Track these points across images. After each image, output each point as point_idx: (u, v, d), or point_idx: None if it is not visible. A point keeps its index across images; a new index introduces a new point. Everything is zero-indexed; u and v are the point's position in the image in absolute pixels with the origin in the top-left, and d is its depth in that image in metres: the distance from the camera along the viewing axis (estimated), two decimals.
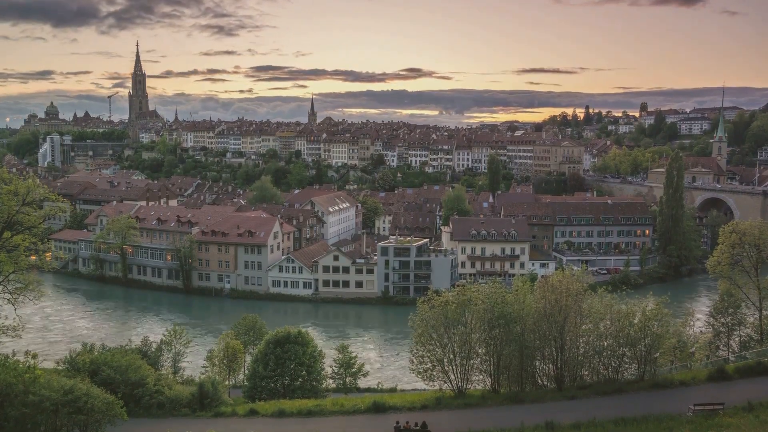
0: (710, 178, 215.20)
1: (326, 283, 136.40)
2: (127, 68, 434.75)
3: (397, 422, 40.89)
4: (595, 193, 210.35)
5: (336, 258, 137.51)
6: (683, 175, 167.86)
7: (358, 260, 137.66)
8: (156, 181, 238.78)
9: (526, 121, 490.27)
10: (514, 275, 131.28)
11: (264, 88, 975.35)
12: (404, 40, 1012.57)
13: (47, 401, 35.31)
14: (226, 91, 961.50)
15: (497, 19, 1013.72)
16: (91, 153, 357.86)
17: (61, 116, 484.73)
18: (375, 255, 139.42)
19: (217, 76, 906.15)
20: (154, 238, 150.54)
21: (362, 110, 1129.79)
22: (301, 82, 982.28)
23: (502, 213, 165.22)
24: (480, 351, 48.95)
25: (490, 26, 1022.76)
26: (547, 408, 42.91)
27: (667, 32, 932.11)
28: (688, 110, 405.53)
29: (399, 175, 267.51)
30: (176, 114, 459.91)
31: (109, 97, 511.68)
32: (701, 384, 46.83)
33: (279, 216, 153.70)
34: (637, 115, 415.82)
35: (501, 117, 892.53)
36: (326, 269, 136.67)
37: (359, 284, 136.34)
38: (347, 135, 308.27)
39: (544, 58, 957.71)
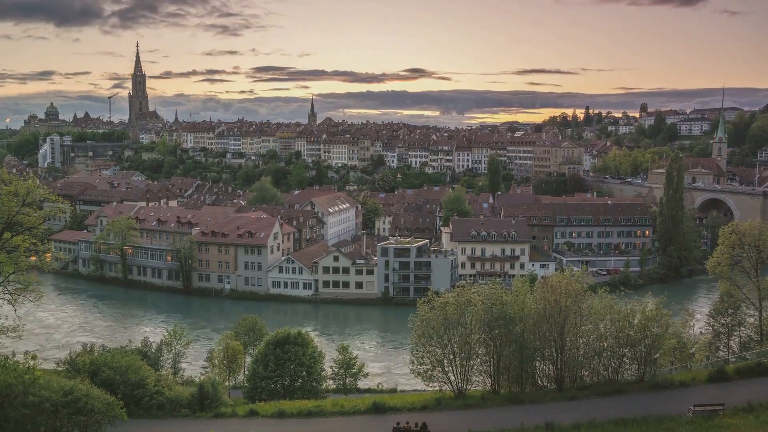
0: (710, 178, 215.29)
1: (326, 284, 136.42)
2: (129, 69, 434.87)
3: (397, 423, 40.90)
4: (595, 193, 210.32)
5: (336, 259, 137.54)
6: (683, 176, 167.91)
7: (358, 261, 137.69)
8: (156, 182, 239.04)
9: (527, 121, 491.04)
10: (514, 276, 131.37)
11: (265, 89, 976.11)
12: (405, 41, 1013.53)
13: (47, 402, 35.32)
14: (227, 92, 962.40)
15: (498, 20, 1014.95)
16: (91, 154, 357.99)
17: (61, 117, 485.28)
18: (375, 256, 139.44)
19: (217, 76, 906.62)
20: (154, 239, 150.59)
21: (362, 111, 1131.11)
22: (301, 83, 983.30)
23: (502, 214, 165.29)
24: (480, 352, 48.98)
25: (490, 26, 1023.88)
26: (547, 409, 42.94)
27: (668, 32, 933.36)
28: (688, 111, 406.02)
29: (399, 175, 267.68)
30: (176, 115, 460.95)
31: (109, 97, 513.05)
32: (701, 385, 46.84)
33: (279, 217, 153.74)
34: (637, 115, 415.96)
35: (502, 117, 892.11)
36: (326, 270, 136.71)
37: (359, 285, 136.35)
38: (347, 136, 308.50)
39: (545, 59, 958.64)
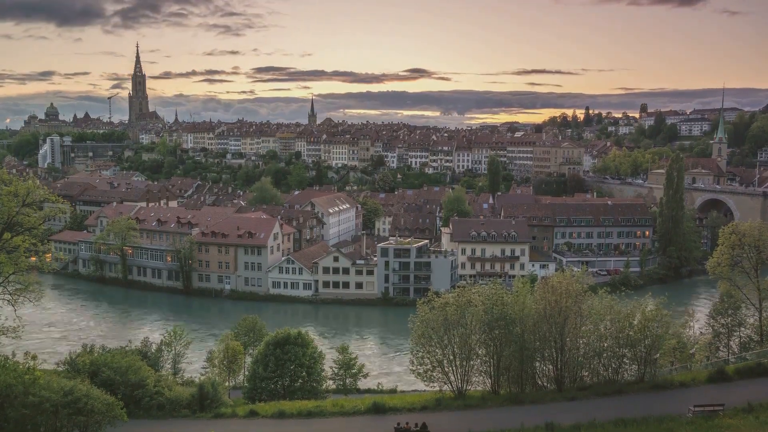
0: (710, 179, 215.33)
1: (326, 285, 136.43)
2: (129, 69, 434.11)
3: (398, 423, 40.94)
4: (595, 194, 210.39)
5: (336, 259, 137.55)
6: (683, 177, 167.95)
7: (358, 261, 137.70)
8: (156, 183, 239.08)
9: (528, 122, 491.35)
10: (514, 276, 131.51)
11: (265, 89, 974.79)
12: (405, 41, 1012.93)
13: (47, 402, 35.33)
14: (227, 92, 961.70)
15: (498, 20, 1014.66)
16: (91, 154, 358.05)
17: (61, 117, 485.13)
18: (375, 256, 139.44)
19: (217, 77, 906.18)
20: (154, 240, 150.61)
21: (363, 111, 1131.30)
22: (302, 83, 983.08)
23: (502, 214, 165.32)
24: (480, 352, 49.00)
25: (490, 27, 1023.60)
26: (547, 409, 42.96)
27: (669, 32, 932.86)
28: (688, 111, 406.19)
29: (399, 176, 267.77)
30: (176, 115, 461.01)
31: (109, 98, 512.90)
32: (701, 385, 46.85)
33: (279, 217, 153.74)
34: (637, 116, 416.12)
35: (502, 118, 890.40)
36: (326, 270, 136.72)
37: (359, 285, 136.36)
38: (347, 136, 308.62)
39: (546, 59, 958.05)
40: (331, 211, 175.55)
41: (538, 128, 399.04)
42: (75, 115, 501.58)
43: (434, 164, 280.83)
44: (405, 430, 40.42)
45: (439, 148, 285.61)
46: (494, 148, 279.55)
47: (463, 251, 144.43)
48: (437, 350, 48.43)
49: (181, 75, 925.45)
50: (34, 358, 40.42)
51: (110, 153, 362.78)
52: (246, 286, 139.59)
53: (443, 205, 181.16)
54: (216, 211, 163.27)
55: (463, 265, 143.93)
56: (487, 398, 47.29)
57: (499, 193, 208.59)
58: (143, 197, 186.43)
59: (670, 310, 50.37)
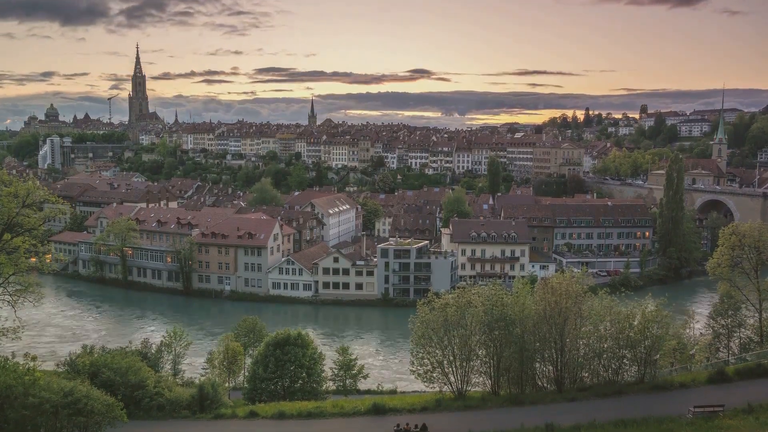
0: (710, 180, 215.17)
1: (326, 285, 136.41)
2: (131, 69, 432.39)
3: (398, 424, 40.97)
4: (595, 195, 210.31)
5: (336, 260, 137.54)
6: (683, 177, 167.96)
7: (358, 262, 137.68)
8: (156, 183, 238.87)
9: (530, 123, 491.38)
10: (514, 277, 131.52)
11: (267, 90, 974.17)
12: (406, 42, 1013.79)
13: (47, 403, 35.35)
14: (228, 93, 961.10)
15: (499, 21, 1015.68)
16: (91, 155, 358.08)
17: (61, 118, 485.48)
18: (375, 257, 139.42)
19: (219, 77, 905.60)
20: (154, 240, 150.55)
21: (363, 112, 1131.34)
22: (302, 84, 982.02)
23: (502, 215, 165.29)
24: (480, 353, 49.03)
25: (491, 27, 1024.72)
26: (547, 410, 42.98)
27: (671, 33, 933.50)
28: (688, 112, 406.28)
29: (399, 177, 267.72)
30: (176, 116, 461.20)
31: (109, 99, 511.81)
32: (701, 386, 46.86)
33: (279, 218, 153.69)
34: (637, 117, 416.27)
35: (503, 119, 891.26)
36: (326, 271, 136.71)
37: (359, 286, 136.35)
38: (347, 137, 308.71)
39: (547, 60, 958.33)
40: (331, 211, 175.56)
41: (538, 129, 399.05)
42: (75, 116, 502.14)
43: (434, 165, 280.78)
44: (405, 430, 40.45)
45: (439, 148, 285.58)
46: (494, 149, 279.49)
47: (463, 252, 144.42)
48: (437, 351, 48.46)
49: (180, 76, 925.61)
50: (34, 359, 40.55)
51: (110, 154, 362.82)
52: (246, 287, 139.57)
53: (443, 206, 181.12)
54: (216, 212, 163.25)
55: (463, 266, 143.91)
56: (487, 399, 47.31)
57: (499, 194, 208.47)
58: (143, 198, 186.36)
59: (670, 311, 50.38)
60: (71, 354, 53.49)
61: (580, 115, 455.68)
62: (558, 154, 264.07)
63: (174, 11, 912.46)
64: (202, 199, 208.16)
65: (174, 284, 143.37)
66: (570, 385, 48.56)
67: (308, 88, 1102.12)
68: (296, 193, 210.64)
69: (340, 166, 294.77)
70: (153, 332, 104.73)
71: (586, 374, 49.67)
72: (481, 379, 49.90)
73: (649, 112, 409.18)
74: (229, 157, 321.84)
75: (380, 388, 77.35)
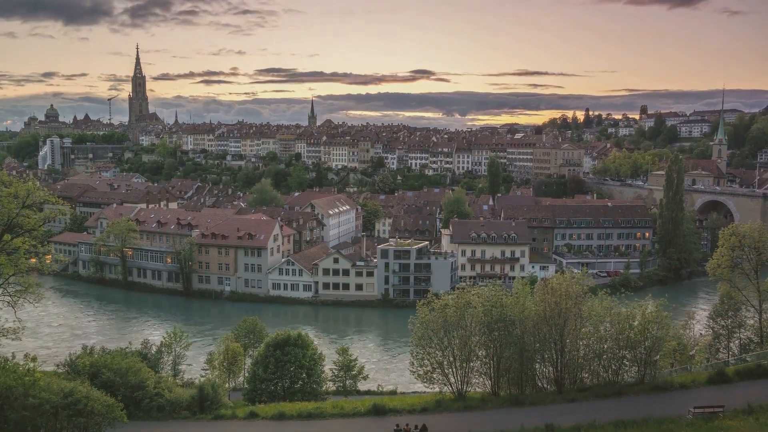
0: (710, 180, 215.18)
1: (326, 286, 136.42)
2: (130, 70, 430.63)
3: (397, 425, 40.95)
4: (595, 195, 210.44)
5: (336, 261, 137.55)
6: (683, 178, 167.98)
7: (358, 263, 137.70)
8: (156, 184, 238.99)
9: (531, 123, 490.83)
10: (514, 278, 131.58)
11: (268, 90, 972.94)
12: (406, 43, 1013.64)
13: (47, 404, 35.32)
14: (229, 93, 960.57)
15: (499, 22, 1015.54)
16: (91, 156, 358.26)
17: (61, 119, 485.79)
18: (375, 258, 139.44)
19: (220, 78, 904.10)
20: (154, 241, 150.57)
21: (364, 113, 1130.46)
22: (302, 85, 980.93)
23: (502, 216, 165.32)
24: (480, 354, 48.99)
25: (492, 28, 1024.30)
26: (547, 410, 42.97)
27: (671, 33, 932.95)
28: (688, 113, 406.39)
29: (399, 177, 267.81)
30: (176, 116, 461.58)
31: (109, 99, 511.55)
32: (701, 387, 46.83)
33: (279, 219, 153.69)
34: (637, 117, 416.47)
35: (505, 119, 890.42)
36: (326, 272, 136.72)
37: (359, 287, 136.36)
38: (347, 138, 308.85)
39: (548, 60, 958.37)
40: (331, 212, 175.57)
41: (538, 130, 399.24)
42: (75, 117, 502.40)
43: (434, 166, 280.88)
44: (405, 431, 40.42)
45: (439, 149, 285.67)
46: (494, 150, 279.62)
47: (463, 253, 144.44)
48: (437, 352, 48.43)
49: (180, 76, 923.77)
50: (34, 359, 40.43)
51: (110, 154, 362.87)
52: (246, 288, 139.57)
53: (443, 207, 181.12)
54: (216, 212, 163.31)
55: (463, 267, 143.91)
56: (487, 400, 47.28)
57: (499, 195, 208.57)
58: (143, 199, 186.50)
59: (670, 312, 50.33)
60: (71, 355, 53.41)
61: (580, 115, 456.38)
62: (558, 155, 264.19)
63: (179, 10, 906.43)
64: (202, 200, 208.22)
65: (174, 285, 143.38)
66: (570, 385, 48.53)
67: (310, 89, 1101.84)
68: (296, 194, 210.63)
69: (340, 166, 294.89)
70: (153, 333, 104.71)
71: (586, 375, 49.64)
72: (481, 379, 49.87)
73: (649, 112, 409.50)
74: (229, 157, 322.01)
75: (380, 388, 77.43)
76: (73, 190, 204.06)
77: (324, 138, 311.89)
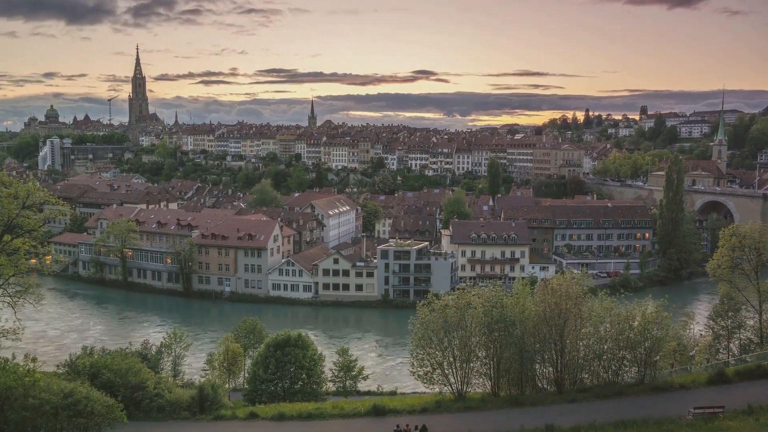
0: (710, 181, 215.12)
1: (326, 287, 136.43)
2: (130, 71, 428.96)
3: (397, 425, 40.94)
4: (595, 196, 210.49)
5: (336, 261, 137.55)
6: (683, 179, 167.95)
7: (358, 263, 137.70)
8: (156, 185, 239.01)
9: (531, 124, 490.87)
10: (514, 278, 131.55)
11: (270, 91, 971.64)
12: (406, 44, 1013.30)
13: (47, 404, 35.32)
14: (231, 94, 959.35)
15: (500, 22, 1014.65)
16: (91, 156, 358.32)
17: (61, 119, 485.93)
18: (375, 258, 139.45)
19: (221, 78, 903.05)
20: (154, 242, 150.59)
21: (364, 113, 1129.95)
22: (306, 86, 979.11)
23: (502, 216, 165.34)
24: (480, 354, 48.97)
25: (492, 29, 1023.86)
26: (547, 411, 42.97)
27: (671, 33, 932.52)
28: (688, 113, 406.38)
29: (399, 178, 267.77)
30: (176, 117, 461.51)
31: (109, 100, 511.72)
32: (701, 387, 46.84)
33: (279, 219, 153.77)
34: (637, 118, 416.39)
35: (506, 120, 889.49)
36: (326, 272, 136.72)
37: (359, 287, 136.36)
38: (347, 138, 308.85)
39: (549, 61, 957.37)
40: (331, 213, 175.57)
41: (538, 130, 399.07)
42: (75, 117, 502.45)
43: (434, 166, 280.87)
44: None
45: (439, 150, 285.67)
46: (494, 150, 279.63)
47: (463, 253, 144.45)
48: (437, 352, 48.42)
49: (180, 77, 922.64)
50: (34, 360, 40.42)
51: (110, 155, 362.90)
52: (246, 289, 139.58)
53: (443, 207, 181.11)
54: (216, 213, 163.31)
55: (463, 267, 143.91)
56: (487, 400, 47.27)
57: (499, 195, 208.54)
58: (143, 199, 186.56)
59: (670, 313, 50.34)
60: (71, 355, 53.42)
61: (580, 116, 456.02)
62: (558, 156, 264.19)
63: (183, 9, 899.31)
64: (202, 201, 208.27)
65: (174, 285, 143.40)
66: (570, 386, 48.52)
67: (312, 89, 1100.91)
68: (296, 195, 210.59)
69: (340, 167, 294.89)
70: (153, 333, 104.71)
71: (586, 375, 49.63)
72: (481, 380, 49.85)
73: (649, 113, 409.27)
74: (229, 158, 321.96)
75: (380, 389, 77.42)
76: (73, 190, 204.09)
77: (324, 138, 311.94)
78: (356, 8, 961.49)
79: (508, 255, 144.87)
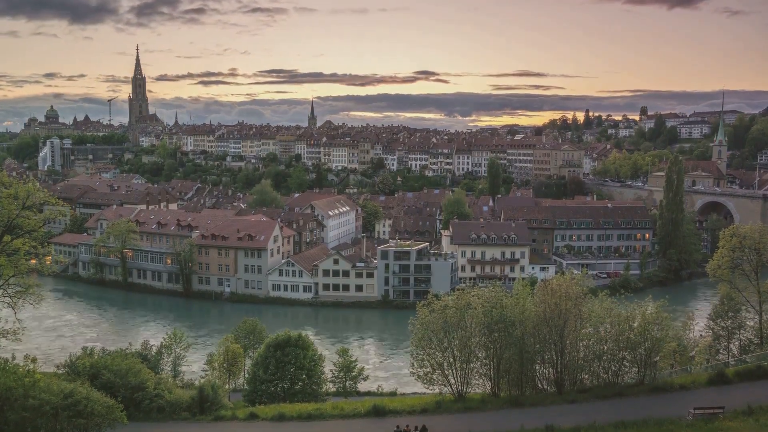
0: (710, 181, 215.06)
1: (326, 287, 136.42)
2: (130, 71, 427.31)
3: (397, 426, 40.94)
4: (595, 196, 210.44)
5: (336, 262, 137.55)
6: (683, 179, 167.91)
7: (358, 264, 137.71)
8: (156, 185, 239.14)
9: (532, 124, 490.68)
10: (514, 279, 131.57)
11: (271, 91, 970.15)
12: (408, 44, 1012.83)
13: (47, 405, 35.31)
14: (232, 95, 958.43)
15: (500, 23, 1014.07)
16: (91, 157, 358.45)
17: (61, 120, 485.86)
18: (375, 259, 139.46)
19: (219, 78, 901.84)
20: (154, 242, 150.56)
21: (365, 114, 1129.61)
22: (307, 86, 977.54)
23: (502, 217, 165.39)
24: (480, 355, 48.96)
25: (492, 29, 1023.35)
26: (547, 412, 42.97)
27: (672, 34, 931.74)
28: (688, 114, 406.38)
29: (399, 178, 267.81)
30: (176, 117, 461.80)
31: (109, 100, 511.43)
32: (701, 388, 46.84)
33: (279, 220, 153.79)
34: (637, 118, 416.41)
35: (507, 120, 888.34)
36: (326, 273, 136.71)
37: (359, 288, 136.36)
38: (347, 139, 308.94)
39: (550, 62, 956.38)
40: (331, 213, 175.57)
41: (538, 131, 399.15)
42: (75, 118, 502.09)
43: (434, 167, 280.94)
44: None
45: (439, 150, 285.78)
46: (494, 151, 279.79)
47: (463, 254, 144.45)
48: (437, 353, 48.40)
49: (180, 77, 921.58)
50: (33, 360, 40.39)
51: (110, 156, 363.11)
52: (246, 289, 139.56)
53: (443, 208, 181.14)
54: (216, 213, 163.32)
55: (463, 268, 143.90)
56: (487, 401, 47.26)
57: (499, 196, 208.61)
58: (143, 200, 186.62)
59: (670, 313, 50.35)
60: (71, 356, 53.41)
61: (580, 116, 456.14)
62: (558, 156, 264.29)
63: (186, 8, 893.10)
64: (202, 201, 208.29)
65: (174, 286, 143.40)
66: (570, 386, 48.52)
67: (313, 90, 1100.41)
68: (296, 195, 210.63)
69: (340, 167, 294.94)
70: (153, 334, 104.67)
71: (586, 376, 49.63)
72: (481, 380, 49.85)
73: (649, 113, 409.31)
74: (229, 158, 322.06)
75: (380, 389, 77.40)
76: (73, 191, 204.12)
77: (324, 139, 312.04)
78: (363, 7, 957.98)
79: (508, 255, 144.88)
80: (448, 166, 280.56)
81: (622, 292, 57.89)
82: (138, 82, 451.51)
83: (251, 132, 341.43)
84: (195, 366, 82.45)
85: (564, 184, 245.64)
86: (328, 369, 69.98)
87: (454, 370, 48.46)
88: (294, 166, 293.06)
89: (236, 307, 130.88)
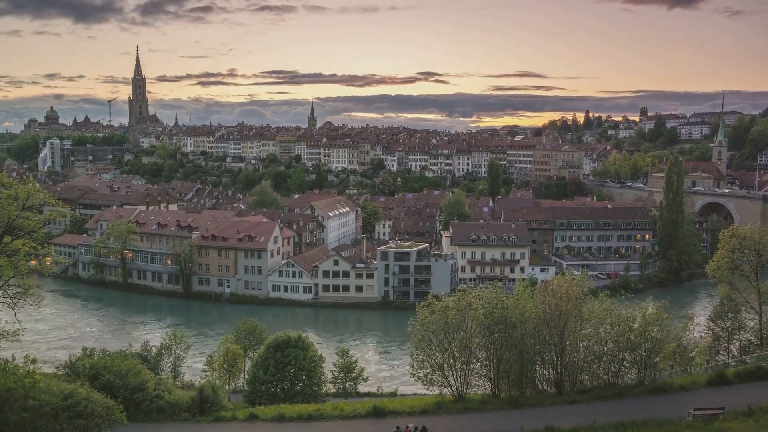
0: (710, 182, 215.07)
1: (326, 288, 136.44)
2: (130, 72, 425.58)
3: (397, 427, 40.96)
4: (595, 197, 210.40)
5: (336, 263, 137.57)
6: (683, 180, 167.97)
7: (358, 265, 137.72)
8: (156, 186, 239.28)
9: (533, 125, 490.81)
10: (514, 280, 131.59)
11: (272, 92, 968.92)
12: (408, 45, 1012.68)
13: (47, 406, 35.29)
14: (233, 95, 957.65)
15: (500, 23, 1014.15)
16: (91, 157, 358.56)
17: (61, 121, 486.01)
18: (375, 259, 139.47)
19: (218, 79, 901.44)
20: (154, 243, 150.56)
21: (365, 115, 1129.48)
22: (307, 87, 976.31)
23: (502, 217, 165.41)
24: (480, 356, 48.95)
25: (493, 30, 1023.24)
26: (547, 412, 42.98)
27: (672, 34, 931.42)
28: (688, 115, 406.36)
29: (399, 179, 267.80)
30: (176, 118, 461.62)
31: (109, 101, 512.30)
32: (701, 388, 46.84)
33: (279, 220, 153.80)
34: (637, 119, 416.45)
35: (508, 121, 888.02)
36: (326, 274, 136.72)
37: (359, 289, 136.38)
38: (347, 140, 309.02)
39: (550, 62, 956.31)
40: (331, 214, 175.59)
41: (538, 132, 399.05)
42: (75, 119, 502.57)
43: (434, 168, 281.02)
44: None
45: (439, 151, 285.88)
46: (494, 152, 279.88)
47: (463, 255, 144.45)
48: (437, 354, 48.38)
49: (179, 78, 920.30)
50: (33, 361, 40.42)
51: (110, 156, 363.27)
52: (246, 290, 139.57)
53: (443, 209, 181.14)
54: (216, 214, 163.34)
55: (463, 269, 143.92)
56: (487, 402, 47.26)
57: (499, 197, 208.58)
58: (143, 200, 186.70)
59: (670, 314, 50.34)
60: (71, 356, 53.40)
61: (581, 117, 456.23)
62: (558, 157, 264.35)
63: (193, 6, 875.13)
64: (202, 202, 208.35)
65: (174, 287, 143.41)
66: (570, 387, 48.51)
67: (314, 91, 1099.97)
68: (296, 196, 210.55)
69: (340, 168, 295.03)
70: (153, 335, 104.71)
71: (586, 377, 49.64)
72: (481, 381, 49.84)
73: (649, 114, 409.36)
74: (229, 159, 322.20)
75: (380, 390, 77.35)
76: (73, 192, 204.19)
77: (324, 140, 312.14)
78: (374, 5, 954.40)
79: (508, 256, 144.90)
80: (448, 167, 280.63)
81: (622, 293, 57.87)
82: (138, 82, 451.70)
83: (251, 133, 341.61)
84: (195, 367, 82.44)
85: (564, 185, 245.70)
86: (328, 370, 69.96)
87: (454, 371, 48.44)
88: (294, 166, 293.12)
89: (236, 308, 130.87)
